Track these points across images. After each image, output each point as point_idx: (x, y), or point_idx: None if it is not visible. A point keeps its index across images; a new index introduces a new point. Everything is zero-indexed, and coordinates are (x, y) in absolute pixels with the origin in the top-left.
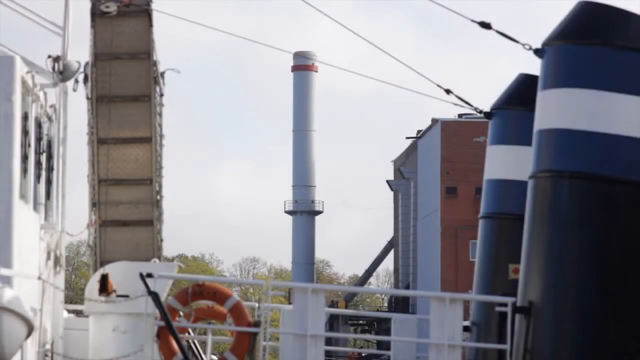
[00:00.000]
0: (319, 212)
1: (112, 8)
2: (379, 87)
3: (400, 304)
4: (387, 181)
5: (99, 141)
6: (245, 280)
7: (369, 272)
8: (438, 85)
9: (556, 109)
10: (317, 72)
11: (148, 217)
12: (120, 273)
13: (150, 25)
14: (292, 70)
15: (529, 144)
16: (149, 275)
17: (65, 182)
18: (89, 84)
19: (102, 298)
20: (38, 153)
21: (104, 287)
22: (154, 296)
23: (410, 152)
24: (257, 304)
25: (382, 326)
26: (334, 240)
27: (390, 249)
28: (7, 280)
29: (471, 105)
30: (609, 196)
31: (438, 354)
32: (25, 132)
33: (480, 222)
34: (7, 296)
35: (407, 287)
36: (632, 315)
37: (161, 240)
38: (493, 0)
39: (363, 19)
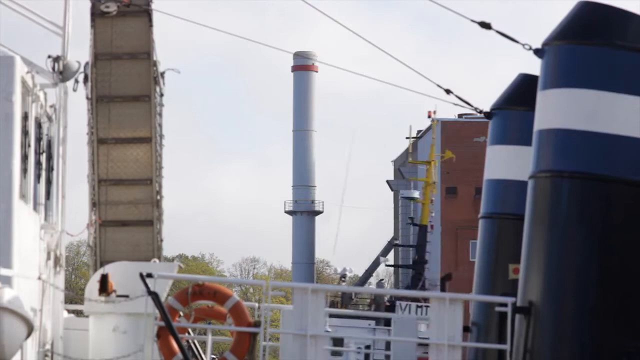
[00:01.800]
0: (319, 212)
1: (112, 8)
2: (379, 87)
3: None
4: (387, 181)
5: (99, 141)
6: (245, 280)
7: (369, 272)
8: (438, 85)
9: (556, 109)
10: (317, 72)
11: (148, 217)
12: (120, 273)
13: (150, 25)
14: (292, 70)
15: (529, 144)
16: (149, 275)
17: (65, 182)
18: (89, 84)
19: (102, 298)
20: (38, 153)
21: (104, 287)
22: (154, 296)
23: (411, 152)
24: (257, 304)
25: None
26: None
27: (390, 249)
28: (7, 280)
29: (471, 105)
30: (609, 196)
31: (438, 354)
32: (25, 132)
33: (480, 222)
34: (7, 296)
35: (407, 287)
36: (632, 315)
37: (161, 240)
38: (493, 0)
39: (364, 20)
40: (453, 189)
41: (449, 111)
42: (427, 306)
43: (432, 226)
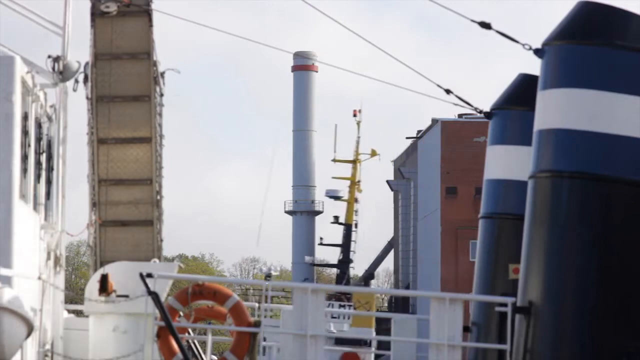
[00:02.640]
0: (319, 212)
1: (112, 8)
2: (380, 87)
3: (400, 304)
4: (387, 181)
5: (99, 141)
6: (245, 280)
7: (369, 272)
8: (438, 86)
9: (556, 109)
10: (317, 72)
11: (148, 217)
12: (120, 273)
13: (150, 25)
14: (292, 70)
15: (529, 144)
16: (149, 275)
17: (65, 182)
18: (89, 84)
19: (102, 298)
20: (38, 153)
21: (104, 287)
22: (154, 296)
23: (410, 152)
24: (257, 304)
25: (382, 326)
26: (334, 241)
27: (390, 249)
28: (7, 280)
29: (471, 105)
30: (609, 196)
31: (438, 354)
32: (25, 132)
33: (480, 222)
34: (7, 296)
35: (407, 287)
36: (632, 315)
37: (161, 240)
38: (493, 0)
39: (363, 20)
40: (453, 189)
41: (449, 111)
42: (349, 305)
43: (356, 224)
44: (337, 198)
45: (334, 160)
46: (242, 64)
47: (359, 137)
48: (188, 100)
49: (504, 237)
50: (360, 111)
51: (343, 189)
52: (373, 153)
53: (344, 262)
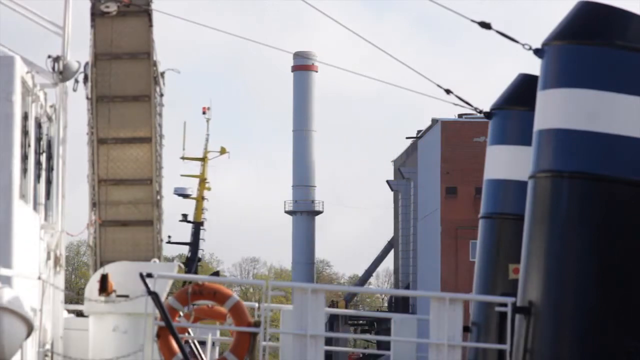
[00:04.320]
0: (319, 212)
1: (112, 8)
2: (380, 87)
3: (400, 304)
4: (387, 181)
5: (99, 141)
6: (245, 280)
7: (369, 272)
8: (438, 86)
9: (556, 109)
10: (317, 72)
11: (148, 217)
12: (120, 273)
13: (150, 25)
14: (292, 70)
15: (529, 144)
16: (149, 275)
17: (65, 182)
18: (89, 84)
19: (102, 298)
20: (38, 153)
21: (104, 287)
22: (154, 296)
23: (410, 152)
24: (257, 304)
25: (382, 326)
26: (334, 240)
27: (390, 249)
28: (7, 280)
29: (471, 105)
30: (609, 196)
31: (438, 354)
32: (25, 132)
33: (480, 222)
34: (7, 296)
35: (407, 287)
36: (632, 315)
37: (161, 240)
38: (493, 0)
39: (364, 20)
40: (453, 189)
41: (449, 111)
42: None
43: (202, 223)
44: (185, 196)
45: (183, 158)
46: (242, 64)
47: (208, 135)
48: (188, 100)
49: (504, 237)
50: (209, 108)
51: (192, 186)
52: (222, 151)
53: (192, 261)
